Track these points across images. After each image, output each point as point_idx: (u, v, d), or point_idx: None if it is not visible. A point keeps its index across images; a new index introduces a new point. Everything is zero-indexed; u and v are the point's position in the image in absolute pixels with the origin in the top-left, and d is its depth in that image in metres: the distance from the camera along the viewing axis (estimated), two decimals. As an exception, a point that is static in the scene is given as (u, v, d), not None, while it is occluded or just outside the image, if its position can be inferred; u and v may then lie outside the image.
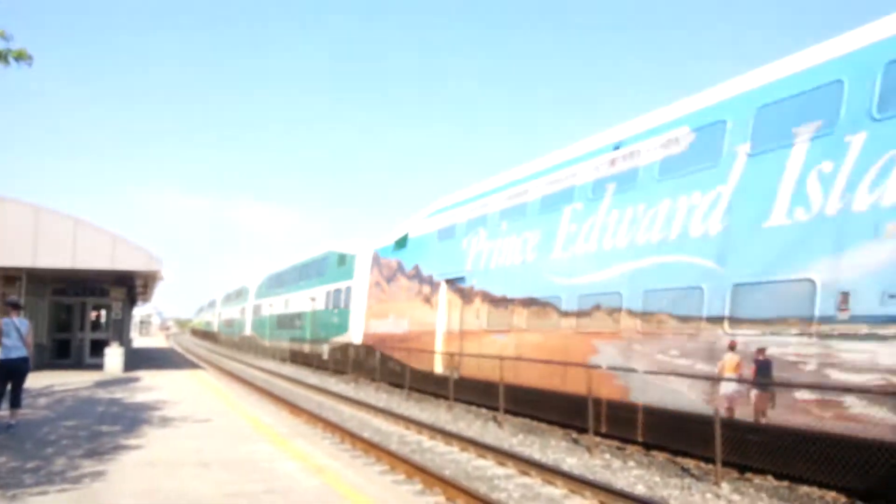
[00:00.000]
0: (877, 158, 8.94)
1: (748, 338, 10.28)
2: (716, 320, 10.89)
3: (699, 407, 10.70)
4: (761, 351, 10.01)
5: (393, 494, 7.77)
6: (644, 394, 12.00)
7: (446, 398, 18.38)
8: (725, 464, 9.86)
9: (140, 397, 16.16)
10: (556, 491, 9.46)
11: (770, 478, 9.88)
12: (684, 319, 11.54)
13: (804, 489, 9.28)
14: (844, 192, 9.29)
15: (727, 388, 10.34)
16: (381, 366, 25.00)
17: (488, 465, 11.16)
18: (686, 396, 11.05)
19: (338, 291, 32.08)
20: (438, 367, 20.28)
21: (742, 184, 10.95)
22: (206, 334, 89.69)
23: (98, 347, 25.55)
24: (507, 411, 15.59)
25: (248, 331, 54.82)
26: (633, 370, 12.23)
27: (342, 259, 32.22)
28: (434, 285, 21.14)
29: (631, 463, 11.37)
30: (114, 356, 23.62)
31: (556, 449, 12.60)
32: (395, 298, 24.27)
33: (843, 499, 8.84)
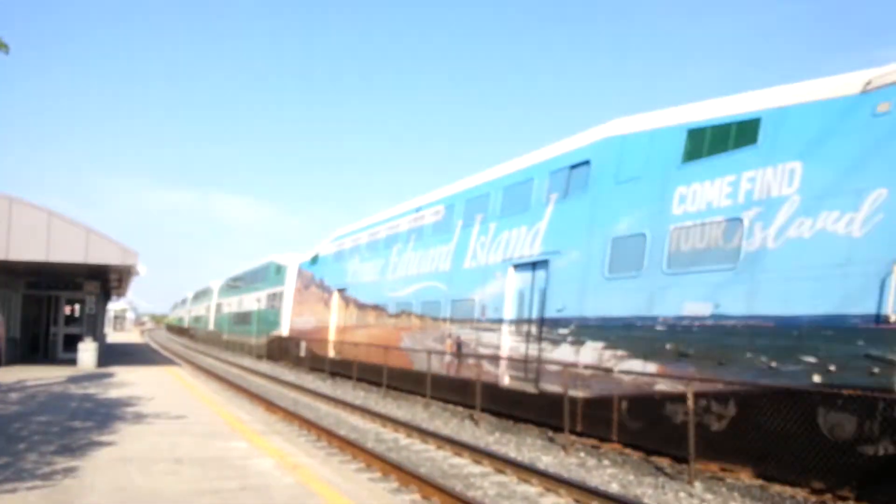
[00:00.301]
0: (497, 236, 17.48)
1: (455, 329, 18.71)
2: (445, 320, 19.39)
3: (441, 370, 18.85)
4: (458, 336, 18.42)
5: (369, 492, 7.75)
6: (418, 364, 20.24)
7: (328, 373, 27.36)
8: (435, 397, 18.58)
9: (114, 393, 15.98)
10: (532, 489, 9.51)
11: (743, 477, 10.02)
12: (435, 319, 19.99)
13: (776, 488, 9.42)
14: (487, 254, 17.78)
15: (446, 358, 18.82)
16: (300, 352, 32.80)
17: (464, 464, 11.20)
18: (436, 363, 19.02)
19: (274, 295, 39.71)
20: (331, 352, 28.22)
21: (458, 243, 19.44)
22: (180, 330, 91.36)
23: (71, 342, 25.24)
24: (359, 379, 23.85)
25: (211, 326, 62.34)
26: (415, 350, 20.60)
27: (278, 269, 39.53)
28: (331, 293, 29.34)
29: (606, 461, 11.46)
30: (87, 351, 23.32)
31: (531, 447, 12.66)
32: (309, 301, 32.64)
33: (812, 497, 8.98)
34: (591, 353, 13.27)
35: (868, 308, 8.84)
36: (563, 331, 14.27)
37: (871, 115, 9.47)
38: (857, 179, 9.37)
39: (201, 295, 71.90)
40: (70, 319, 27.86)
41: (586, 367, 13.25)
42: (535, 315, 15.44)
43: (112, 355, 31.56)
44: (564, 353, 14.01)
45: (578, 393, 13.30)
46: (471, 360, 17.43)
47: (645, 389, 11.89)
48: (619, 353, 12.61)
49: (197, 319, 73.64)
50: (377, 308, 24.09)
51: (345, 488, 7.48)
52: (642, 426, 12.01)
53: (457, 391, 18.04)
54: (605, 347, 12.99)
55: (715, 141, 11.83)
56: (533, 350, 15.23)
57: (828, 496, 8.92)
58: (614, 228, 13.48)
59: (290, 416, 15.59)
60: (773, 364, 9.78)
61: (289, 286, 36.77)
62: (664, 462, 11.16)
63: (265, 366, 34.78)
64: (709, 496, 9.21)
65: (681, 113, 12.78)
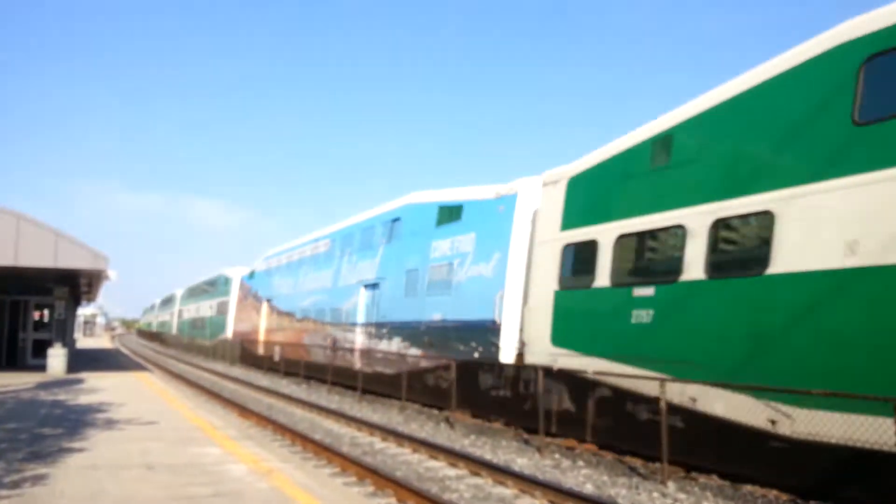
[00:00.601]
0: (356, 264, 24.42)
1: (332, 330, 25.47)
2: (327, 324, 26.18)
3: (324, 359, 25.53)
4: (334, 336, 25.06)
5: (344, 496, 7.73)
6: (313, 356, 27.05)
7: (263, 368, 33.91)
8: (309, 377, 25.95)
9: (84, 399, 15.76)
10: (507, 491, 9.54)
11: (715, 477, 10.14)
12: (322, 323, 26.84)
13: (748, 487, 9.55)
14: (350, 276, 24.59)
15: (327, 351, 25.27)
16: (240, 352, 39.76)
17: (440, 466, 11.20)
18: (321, 355, 26.00)
19: (222, 303, 46.11)
20: (260, 350, 35.38)
21: (335, 267, 26.37)
22: (151, 335, 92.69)
23: (41, 348, 24.83)
24: (284, 372, 30.56)
25: (174, 331, 69.00)
26: (311, 345, 27.37)
27: (226, 280, 45.81)
28: (261, 302, 36.23)
29: (580, 462, 11.54)
30: (57, 357, 22.97)
31: (506, 449, 12.71)
32: (247, 309, 39.54)
33: (784, 496, 9.12)
34: (396, 344, 20.45)
35: (492, 316, 15.75)
36: (384, 330, 21.38)
37: (497, 211, 16.49)
38: (491, 246, 16.44)
39: (167, 302, 79.09)
40: (39, 325, 27.37)
41: (393, 353, 20.40)
42: (373, 320, 22.31)
43: (82, 361, 31.09)
44: (384, 345, 21.19)
45: (386, 370, 20.81)
46: (339, 352, 24.45)
47: (417, 366, 19.15)
48: (407, 343, 19.76)
49: (163, 324, 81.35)
50: (290, 314, 31.34)
51: (320, 493, 7.45)
52: (419, 389, 18.99)
53: (334, 374, 24.15)
54: (402, 340, 20.10)
55: (446, 215, 18.96)
56: (371, 343, 22.24)
57: (774, 492, 9.07)
58: (407, 264, 20.52)
59: (264, 421, 15.47)
60: (462, 347, 16.86)
61: (233, 296, 43.58)
62: (637, 462, 11.26)
63: (238, 371, 34.58)
64: (682, 496, 9.31)
65: (440, 194, 19.82)
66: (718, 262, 10.37)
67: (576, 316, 13.31)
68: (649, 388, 10.89)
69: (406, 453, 12.39)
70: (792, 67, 9.80)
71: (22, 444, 9.78)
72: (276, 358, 31.74)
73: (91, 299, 43.17)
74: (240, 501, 6.89)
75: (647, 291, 11.58)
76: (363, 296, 23.38)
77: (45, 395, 16.34)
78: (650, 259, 12.30)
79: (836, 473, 8.62)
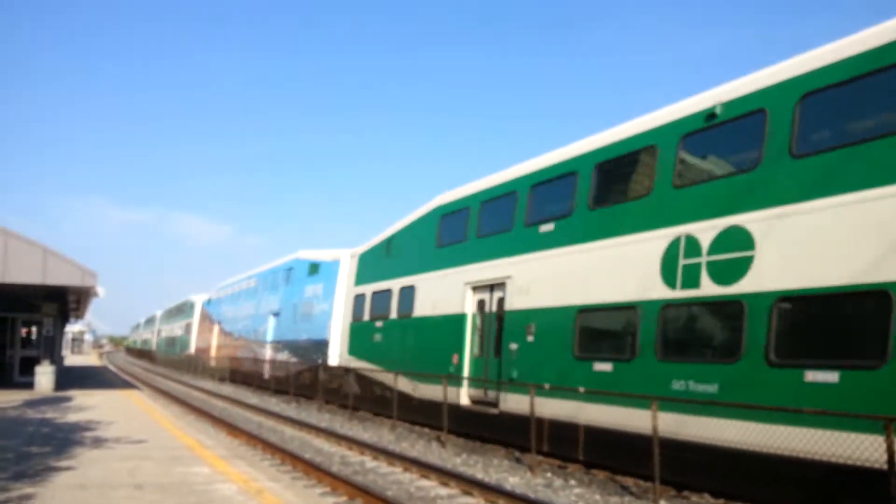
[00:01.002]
0: (269, 298, 34.00)
1: (255, 346, 34.64)
2: (252, 342, 35.33)
3: (251, 368, 34.55)
4: (256, 350, 34.32)
5: (334, 516, 7.68)
6: (245, 366, 35.29)
7: (215, 378, 41.27)
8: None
9: (72, 417, 15.61)
10: (499, 510, 9.48)
11: (707, 496, 10.13)
12: (249, 341, 35.96)
13: (738, 506, 9.54)
14: (266, 306, 33.84)
15: (253, 362, 34.23)
16: (199, 365, 47.14)
17: (431, 486, 11.12)
18: (249, 365, 34.77)
19: (189, 324, 53.82)
20: (212, 363, 43.70)
21: (257, 300, 35.48)
22: (139, 353, 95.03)
23: (28, 365, 24.61)
24: (225, 378, 38.93)
25: (153, 347, 78.29)
26: (244, 358, 35.95)
27: (191, 305, 53.64)
28: (214, 324, 44.95)
29: (572, 482, 11.49)
30: (45, 374, 22.77)
31: (498, 468, 12.65)
32: (204, 330, 48.06)
33: (774, 515, 9.11)
34: (286, 355, 29.62)
35: (326, 336, 24.73)
36: (281, 346, 30.78)
37: (332, 269, 25.50)
38: (329, 291, 25.44)
39: (149, 321, 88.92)
40: (27, 342, 27.16)
41: (282, 361, 29.89)
42: (276, 339, 31.80)
43: (70, 378, 30.83)
44: (282, 356, 30.26)
45: (280, 373, 29.60)
46: (258, 362, 33.02)
47: (294, 369, 27.83)
48: (292, 354, 28.90)
49: (145, 342, 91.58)
50: (231, 334, 40.07)
51: (310, 512, 7.39)
52: (298, 385, 27.07)
53: (256, 378, 33.07)
54: (289, 352, 29.31)
55: (313, 269, 27.83)
56: (275, 355, 31.25)
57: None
58: (293, 300, 29.81)
59: (254, 439, 15.34)
60: (314, 356, 25.60)
61: (195, 318, 51.32)
62: (630, 482, 11.23)
63: (228, 389, 34.34)
64: (674, 515, 9.28)
65: (313, 253, 28.45)
66: (400, 309, 20.01)
67: (356, 337, 22.97)
68: (386, 377, 19.94)
69: (397, 472, 12.31)
70: (417, 219, 20.22)
71: (8, 463, 9.67)
72: (220, 366, 41.53)
73: (79, 316, 42.93)
74: (230, 521, 6.83)
75: (379, 324, 21.27)
76: (271, 322, 32.71)
77: (32, 413, 16.18)
78: (380, 305, 21.40)
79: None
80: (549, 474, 12.13)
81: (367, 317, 21.88)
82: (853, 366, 8.51)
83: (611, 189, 13.52)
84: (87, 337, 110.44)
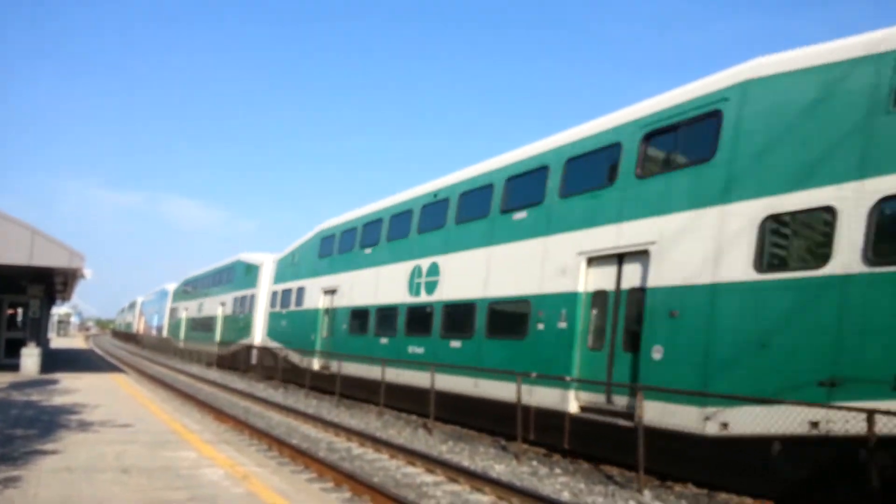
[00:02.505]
0: (216, 297, 42.68)
1: (208, 331, 42.48)
2: (206, 326, 43.37)
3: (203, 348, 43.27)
4: (208, 334, 43.01)
5: (321, 502, 7.70)
6: (198, 347, 43.90)
7: (180, 357, 48.03)
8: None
9: (58, 400, 15.55)
10: (485, 498, 9.56)
11: (690, 486, 10.23)
12: (205, 326, 43.69)
13: (723, 496, 9.65)
14: (209, 298, 44.17)
15: (205, 344, 43.26)
16: (168, 345, 54.84)
17: (417, 473, 11.18)
18: (202, 347, 43.19)
19: (163, 308, 61.09)
20: (181, 345, 49.26)
21: (211, 291, 43.31)
22: (126, 336, 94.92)
23: (14, 347, 24.43)
24: (185, 355, 47.02)
25: (134, 329, 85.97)
26: (201, 340, 43.98)
27: (165, 292, 61.86)
28: (180, 314, 52.18)
29: (557, 470, 11.58)
30: (31, 357, 22.64)
31: (484, 456, 12.72)
32: (174, 315, 55.52)
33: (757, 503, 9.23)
34: (230, 337, 36.47)
35: (252, 322, 33.62)
36: (225, 329, 38.59)
37: (260, 270, 33.38)
38: (256, 287, 33.74)
39: (132, 306, 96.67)
40: (12, 323, 26.97)
41: (227, 342, 36.88)
42: (223, 324, 38.90)
43: (56, 361, 30.67)
44: (226, 338, 37.43)
45: (224, 351, 37.39)
46: (208, 346, 40.75)
47: (235, 348, 35.09)
48: (231, 335, 36.47)
49: (128, 325, 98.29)
50: (195, 320, 46.86)
51: (297, 498, 7.43)
52: (237, 362, 34.48)
53: (206, 357, 40.66)
54: (232, 334, 36.57)
55: (247, 269, 35.23)
56: (222, 338, 38.32)
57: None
58: (235, 294, 37.07)
59: (241, 425, 15.36)
60: (247, 337, 34.29)
61: (168, 304, 58.73)
62: (615, 471, 11.33)
63: (214, 374, 34.33)
64: (657, 504, 9.38)
65: (249, 256, 35.57)
66: (296, 303, 27.44)
67: (271, 323, 30.51)
68: (288, 353, 27.29)
69: (384, 459, 12.36)
70: (309, 238, 27.96)
71: (-7, 445, 9.63)
72: (183, 348, 48.55)
73: (66, 298, 42.64)
74: (216, 506, 6.84)
75: (284, 313, 28.70)
76: (219, 310, 40.04)
77: (17, 396, 16.10)
78: (286, 300, 28.76)
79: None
80: (534, 463, 12.21)
81: (278, 308, 29.75)
82: (522, 334, 14.21)
83: (375, 236, 22.09)
84: (74, 319, 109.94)
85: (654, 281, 11.31)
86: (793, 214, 9.54)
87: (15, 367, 22.78)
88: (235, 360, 34.49)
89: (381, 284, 20.54)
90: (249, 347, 32.11)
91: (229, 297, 37.76)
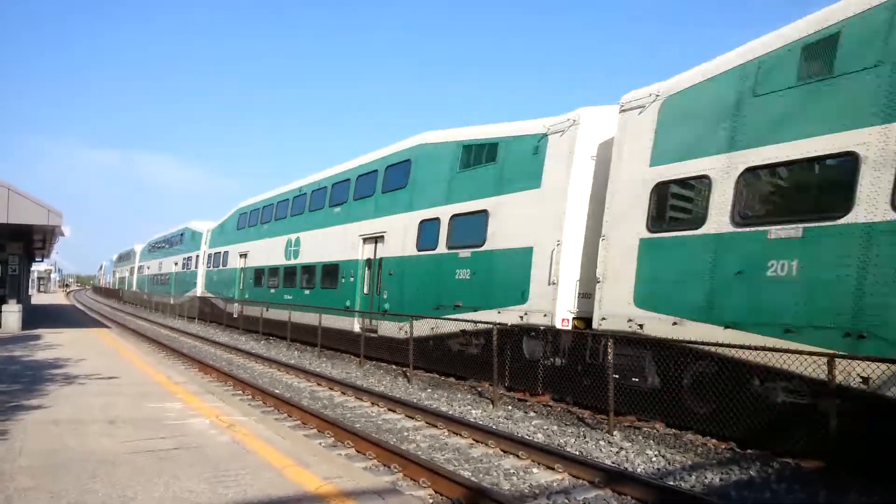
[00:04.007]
0: (167, 258, 51.70)
1: (166, 287, 49.65)
2: (165, 283, 50.05)
3: (162, 301, 50.62)
4: (167, 290, 49.81)
5: (305, 447, 7.96)
6: (156, 300, 51.99)
7: (143, 306, 56.80)
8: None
9: (41, 355, 15.69)
10: (462, 441, 9.92)
11: (658, 426, 10.67)
12: (163, 283, 50.76)
13: (688, 436, 10.09)
14: (166, 261, 51.69)
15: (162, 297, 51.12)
16: (133, 298, 63.93)
17: (398, 419, 11.54)
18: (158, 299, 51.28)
19: (132, 267, 68.06)
20: (144, 297, 57.15)
21: (167, 254, 50.86)
22: (106, 291, 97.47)
23: (-6, 304, 24.43)
24: (136, 304, 60.88)
25: (111, 285, 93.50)
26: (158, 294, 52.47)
27: (133, 252, 68.67)
28: (145, 271, 59.63)
29: (532, 413, 11.99)
30: (12, 313, 22.69)
31: (461, 402, 13.10)
32: (140, 272, 62.27)
33: (722, 445, 9.67)
34: (181, 290, 43.87)
35: (196, 280, 40.69)
36: (179, 284, 45.00)
37: (200, 237, 40.94)
38: (196, 253, 41.19)
39: (108, 265, 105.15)
40: (-9, 280, 26.91)
41: (180, 293, 44.54)
42: (176, 280, 45.38)
43: (37, 317, 30.70)
44: (178, 291, 44.75)
45: (176, 302, 44.68)
46: (165, 297, 47.57)
47: (183, 299, 43.19)
48: (182, 289, 43.93)
49: (97, 280, 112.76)
50: (153, 276, 54.49)
51: (281, 445, 7.68)
52: (185, 310, 42.22)
53: (160, 307, 48.21)
54: (182, 289, 43.68)
55: (193, 235, 42.57)
56: (176, 293, 45.09)
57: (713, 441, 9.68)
58: (185, 257, 44.13)
59: (225, 376, 15.63)
60: (192, 290, 42.06)
61: (136, 262, 65.52)
62: (586, 414, 11.76)
63: (196, 326, 34.61)
64: (626, 444, 9.80)
65: (197, 224, 42.65)
66: (223, 263, 36.23)
67: (207, 278, 38.19)
68: (218, 302, 35.86)
69: (365, 406, 12.71)
70: (232, 213, 35.94)
71: (-20, 400, 9.78)
72: (146, 299, 55.71)
73: (45, 255, 42.40)
74: (202, 454, 7.07)
75: (215, 270, 37.44)
76: (174, 268, 46.40)
77: (0, 352, 16.22)
78: (217, 260, 37.23)
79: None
80: (510, 407, 12.61)
81: (212, 267, 37.26)
82: (336, 285, 22.06)
83: (269, 215, 29.62)
84: (54, 276, 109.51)
85: (382, 253, 19.47)
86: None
87: (-4, 324, 22.82)
88: (183, 308, 42.42)
89: (271, 251, 28.05)
90: (193, 297, 40.38)
91: (181, 258, 45.34)
